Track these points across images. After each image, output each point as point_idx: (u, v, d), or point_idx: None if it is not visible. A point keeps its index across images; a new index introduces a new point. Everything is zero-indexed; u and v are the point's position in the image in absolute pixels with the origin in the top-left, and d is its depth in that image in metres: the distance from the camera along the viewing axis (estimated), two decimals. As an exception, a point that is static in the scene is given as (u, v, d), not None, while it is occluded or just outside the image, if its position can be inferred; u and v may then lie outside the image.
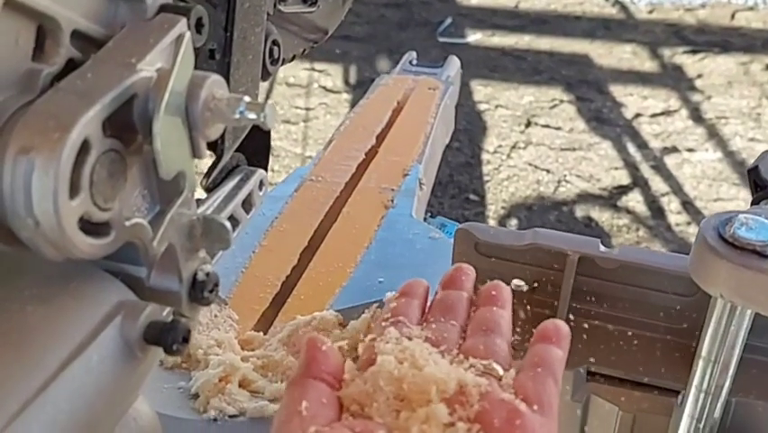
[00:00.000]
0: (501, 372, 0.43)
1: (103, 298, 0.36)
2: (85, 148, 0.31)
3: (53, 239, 0.31)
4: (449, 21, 3.50)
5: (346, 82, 3.04)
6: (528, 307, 0.63)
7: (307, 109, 2.88)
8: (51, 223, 0.31)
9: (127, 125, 0.34)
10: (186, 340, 0.37)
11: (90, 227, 0.33)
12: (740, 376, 0.53)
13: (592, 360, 0.61)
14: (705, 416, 0.54)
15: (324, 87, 3.01)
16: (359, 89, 2.89)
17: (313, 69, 3.08)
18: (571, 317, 0.61)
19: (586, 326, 0.62)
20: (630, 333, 0.61)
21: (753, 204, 0.51)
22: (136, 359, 0.37)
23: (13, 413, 0.31)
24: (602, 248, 0.58)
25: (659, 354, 0.60)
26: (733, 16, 3.62)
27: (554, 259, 0.59)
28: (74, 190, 0.31)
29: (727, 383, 0.51)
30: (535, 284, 0.62)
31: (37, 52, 0.33)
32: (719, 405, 0.53)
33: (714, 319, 0.49)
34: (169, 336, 0.36)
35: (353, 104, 2.67)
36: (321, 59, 3.09)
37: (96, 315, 0.36)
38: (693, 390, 0.52)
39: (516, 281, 0.62)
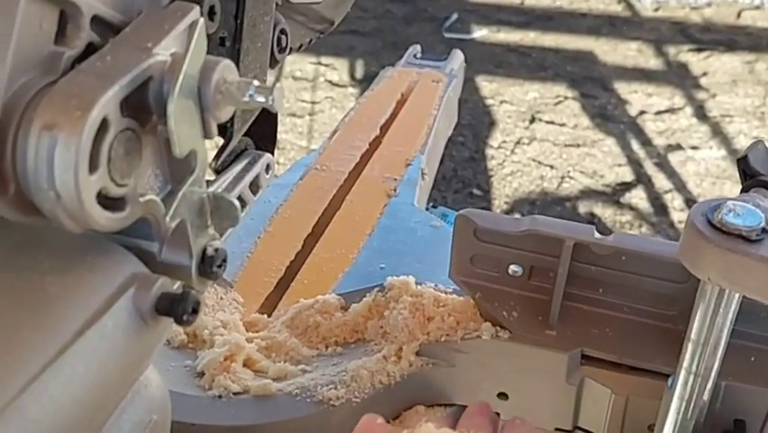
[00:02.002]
0: None
1: (117, 270, 0.38)
2: (104, 126, 0.33)
3: (73, 211, 0.33)
4: (455, 16, 3.51)
5: (352, 76, 3.06)
6: (525, 292, 0.64)
7: (313, 103, 2.90)
8: (72, 196, 0.32)
9: (143, 106, 0.36)
10: (195, 311, 0.39)
11: (107, 202, 0.34)
12: (729, 361, 0.55)
13: (587, 344, 0.63)
14: (694, 398, 0.55)
15: (330, 81, 3.02)
16: (364, 83, 2.91)
17: (319, 63, 3.10)
18: (567, 302, 0.63)
19: (581, 311, 0.64)
20: (624, 318, 0.63)
21: (742, 192, 0.53)
22: (148, 328, 0.38)
23: (34, 375, 0.33)
24: (597, 235, 0.60)
25: (652, 339, 0.61)
26: (739, 15, 3.63)
27: (551, 245, 0.61)
28: (93, 166, 0.33)
29: (716, 366, 0.53)
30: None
31: (59, 36, 0.35)
32: (708, 387, 0.55)
33: (703, 303, 0.50)
34: (179, 307, 0.38)
35: (359, 98, 2.69)
36: (327, 53, 3.11)
37: (111, 286, 0.37)
38: (683, 372, 0.54)
39: (513, 267, 0.63)
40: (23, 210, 0.34)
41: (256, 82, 0.38)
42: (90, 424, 0.37)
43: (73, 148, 0.32)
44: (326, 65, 3.10)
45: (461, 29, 3.44)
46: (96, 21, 0.37)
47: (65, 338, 0.35)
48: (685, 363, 0.53)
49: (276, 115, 0.52)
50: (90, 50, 0.36)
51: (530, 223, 0.62)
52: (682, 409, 0.56)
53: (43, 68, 0.34)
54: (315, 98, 2.92)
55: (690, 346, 0.53)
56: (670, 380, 0.57)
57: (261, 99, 0.38)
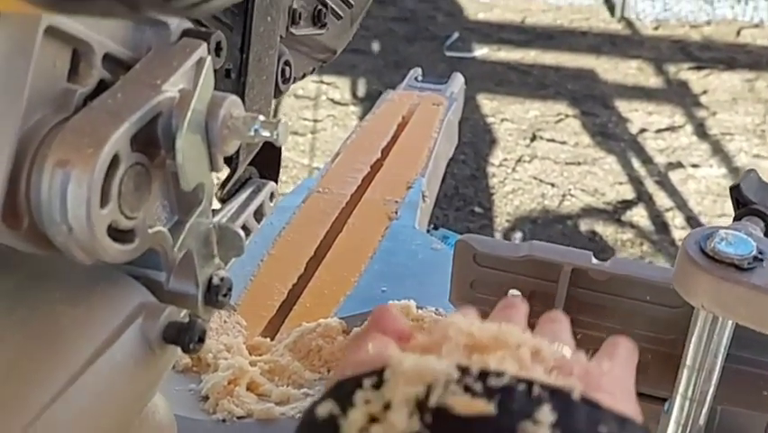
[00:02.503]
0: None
1: (126, 300, 0.39)
2: (115, 162, 0.34)
3: (84, 244, 0.34)
4: (456, 35, 3.54)
5: (354, 95, 3.08)
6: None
7: (315, 121, 2.92)
8: (83, 229, 0.34)
9: (152, 141, 0.37)
10: (201, 340, 0.40)
11: (117, 234, 0.36)
12: (725, 386, 0.56)
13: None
14: (690, 423, 0.56)
15: (332, 100, 3.04)
16: (366, 102, 2.93)
17: (321, 82, 3.12)
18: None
19: (579, 335, 0.65)
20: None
21: (735, 220, 0.54)
22: (155, 357, 0.40)
23: (46, 403, 0.34)
24: (594, 260, 0.61)
25: (649, 363, 0.62)
26: (738, 33, 3.65)
27: (549, 270, 0.62)
28: (104, 200, 0.34)
29: (711, 391, 0.54)
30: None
31: (72, 74, 0.36)
32: (704, 412, 0.55)
33: (697, 329, 0.52)
34: (186, 336, 0.39)
35: (361, 116, 2.71)
36: (329, 71, 3.13)
37: (120, 315, 0.39)
38: (679, 397, 0.55)
39: (512, 291, 0.64)
40: (36, 242, 0.35)
41: (261, 117, 0.39)
42: (99, 451, 0.38)
43: (85, 184, 0.33)
44: (328, 83, 3.12)
45: (462, 47, 3.46)
46: (108, 58, 0.38)
47: (75, 368, 0.36)
48: (681, 388, 0.54)
49: (280, 146, 0.53)
50: (102, 87, 0.37)
51: (528, 248, 0.63)
52: (679, 433, 0.57)
53: (56, 105, 0.36)
54: (317, 116, 2.94)
55: (685, 372, 0.54)
56: (666, 404, 0.58)
57: (266, 134, 0.39)
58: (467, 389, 0.32)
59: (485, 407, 0.31)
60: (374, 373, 0.34)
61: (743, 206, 0.54)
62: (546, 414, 0.31)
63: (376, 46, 3.40)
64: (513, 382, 0.32)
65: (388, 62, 3.26)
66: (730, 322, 0.50)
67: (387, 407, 0.32)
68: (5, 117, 0.33)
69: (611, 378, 0.37)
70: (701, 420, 0.56)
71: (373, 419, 0.32)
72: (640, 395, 0.63)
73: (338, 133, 2.80)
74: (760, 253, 0.47)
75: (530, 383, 0.32)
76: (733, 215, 0.56)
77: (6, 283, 0.38)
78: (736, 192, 0.54)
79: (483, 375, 0.32)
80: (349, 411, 0.32)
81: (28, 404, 0.34)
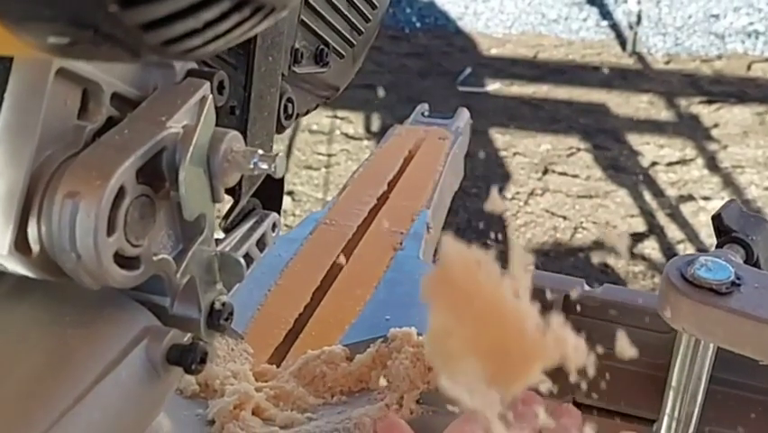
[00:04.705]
0: None
1: (131, 323, 0.42)
2: (121, 193, 0.37)
3: (92, 270, 0.37)
4: (468, 70, 3.58)
5: (368, 129, 3.12)
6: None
7: (329, 155, 2.96)
8: (91, 256, 0.36)
9: (157, 174, 0.40)
10: (203, 361, 0.42)
11: (123, 261, 0.38)
12: (713, 408, 0.57)
13: (578, 392, 0.65)
14: (679, 444, 0.58)
15: (346, 134, 3.08)
16: (380, 136, 2.96)
17: (335, 117, 3.16)
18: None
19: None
20: (613, 366, 0.65)
21: (716, 247, 0.56)
22: (159, 377, 0.42)
23: (53, 421, 0.37)
24: (586, 287, 0.63)
25: (639, 387, 0.64)
26: (749, 67, 3.67)
27: (544, 297, 0.64)
28: (111, 229, 0.37)
29: (696, 412, 0.56)
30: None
31: (82, 111, 0.39)
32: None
33: (681, 352, 0.53)
34: (188, 357, 0.42)
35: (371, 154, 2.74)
36: (343, 106, 3.17)
37: (126, 338, 0.41)
38: (666, 418, 0.56)
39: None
40: (47, 270, 0.38)
41: (260, 151, 0.42)
42: (105, 467, 0.40)
43: (93, 214, 0.36)
44: (342, 118, 3.16)
45: (474, 82, 3.50)
46: (116, 97, 0.41)
47: (83, 387, 0.38)
48: (667, 410, 0.56)
49: (282, 178, 0.56)
50: (110, 123, 0.40)
51: (523, 277, 0.65)
52: (666, 454, 0.59)
53: (67, 140, 0.38)
54: (331, 151, 2.98)
55: (671, 393, 0.55)
56: (655, 425, 0.59)
57: (265, 166, 0.42)
58: None
59: None
60: None
61: (724, 234, 0.56)
62: None
63: (385, 81, 3.43)
64: None
65: (402, 97, 3.30)
66: (712, 345, 0.52)
67: None
68: (19, 153, 0.36)
69: None
70: (689, 441, 0.57)
71: None
72: (632, 417, 0.65)
73: (352, 167, 2.83)
74: (738, 278, 0.49)
75: None
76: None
77: (20, 308, 0.41)
78: (717, 221, 0.57)
79: None
80: None
81: (36, 421, 0.36)
